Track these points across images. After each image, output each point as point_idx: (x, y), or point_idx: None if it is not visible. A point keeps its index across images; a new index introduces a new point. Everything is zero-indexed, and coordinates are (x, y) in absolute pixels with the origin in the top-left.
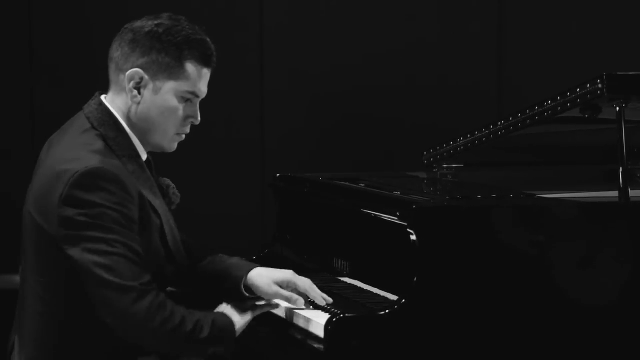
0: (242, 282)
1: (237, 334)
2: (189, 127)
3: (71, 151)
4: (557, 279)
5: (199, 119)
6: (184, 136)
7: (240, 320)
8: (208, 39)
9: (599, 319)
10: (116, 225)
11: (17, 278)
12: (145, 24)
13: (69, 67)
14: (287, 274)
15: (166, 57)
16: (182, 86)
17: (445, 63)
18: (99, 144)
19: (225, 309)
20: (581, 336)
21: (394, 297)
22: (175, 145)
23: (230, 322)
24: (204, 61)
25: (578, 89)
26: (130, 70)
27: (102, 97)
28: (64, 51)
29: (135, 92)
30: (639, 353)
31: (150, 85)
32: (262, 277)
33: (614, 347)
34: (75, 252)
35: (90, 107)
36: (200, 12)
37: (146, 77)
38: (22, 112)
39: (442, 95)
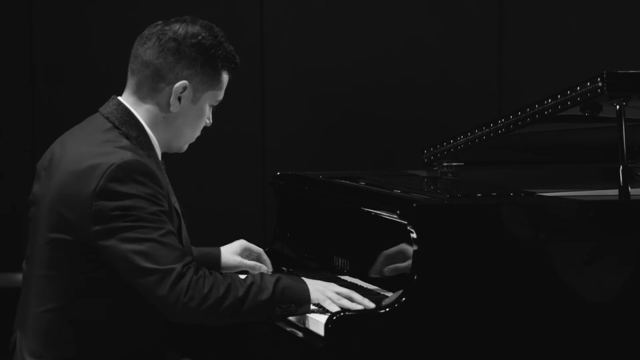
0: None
1: (314, 299)
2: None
3: (98, 147)
4: (557, 277)
5: (211, 121)
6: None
7: (319, 289)
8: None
9: (600, 317)
10: (151, 215)
11: (18, 276)
12: (186, 32)
13: (69, 68)
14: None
15: (209, 69)
16: (217, 95)
17: (446, 61)
18: (125, 142)
19: (308, 280)
20: (582, 335)
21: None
22: (187, 146)
23: (301, 284)
24: (231, 71)
25: (578, 87)
26: (178, 83)
27: (119, 98)
28: (64, 52)
29: (178, 101)
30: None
31: (190, 95)
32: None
33: (615, 347)
34: (111, 243)
35: (108, 107)
36: (200, 10)
37: (189, 87)
38: (22, 112)
39: (442, 94)
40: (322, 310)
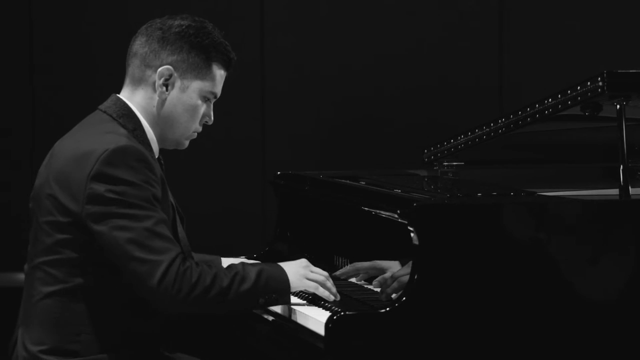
0: None
1: (293, 287)
2: (202, 126)
3: (96, 135)
4: (558, 277)
5: (212, 119)
6: (196, 134)
7: (296, 274)
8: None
9: (600, 317)
10: (143, 202)
11: (19, 276)
12: (173, 23)
13: (69, 68)
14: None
15: (195, 57)
16: (207, 86)
17: (446, 61)
18: (123, 131)
19: (286, 267)
20: (583, 335)
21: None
22: (187, 143)
23: (282, 274)
24: (226, 65)
25: (579, 87)
26: (162, 67)
27: (117, 95)
28: (64, 52)
29: (164, 88)
30: None
31: (178, 83)
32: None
33: (616, 346)
34: (103, 229)
35: (106, 103)
36: (201, 10)
37: (175, 74)
38: (22, 112)
39: (442, 93)
40: (321, 309)
